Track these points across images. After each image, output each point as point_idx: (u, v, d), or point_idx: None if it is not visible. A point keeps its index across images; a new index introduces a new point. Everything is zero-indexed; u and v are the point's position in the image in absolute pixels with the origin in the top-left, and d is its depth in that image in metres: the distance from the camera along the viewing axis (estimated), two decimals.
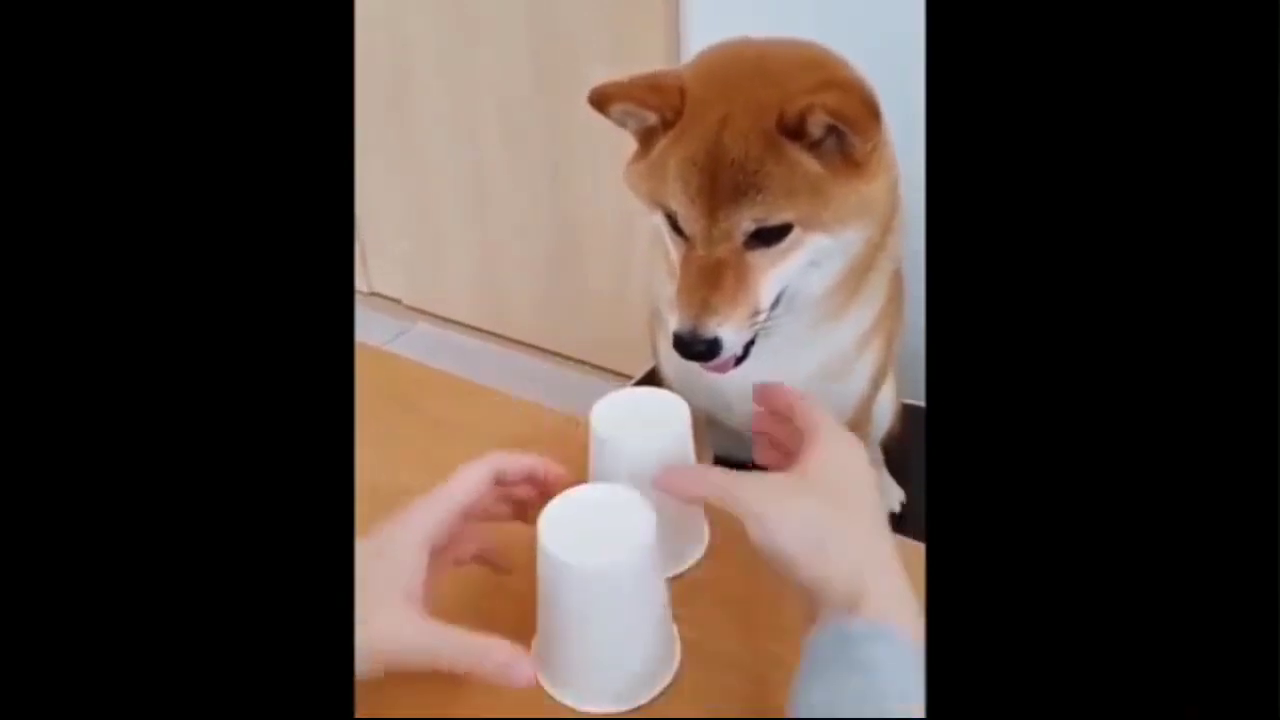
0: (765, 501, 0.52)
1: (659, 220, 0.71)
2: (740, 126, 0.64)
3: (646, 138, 0.71)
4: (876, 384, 0.88)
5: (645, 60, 1.56)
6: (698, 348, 0.66)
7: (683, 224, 0.68)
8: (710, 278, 0.66)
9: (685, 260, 0.68)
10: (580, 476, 0.62)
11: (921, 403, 1.12)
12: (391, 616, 0.49)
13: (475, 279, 2.08)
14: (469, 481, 0.56)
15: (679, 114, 0.67)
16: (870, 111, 0.63)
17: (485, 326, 2.13)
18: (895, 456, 1.10)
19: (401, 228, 2.12)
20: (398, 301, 2.24)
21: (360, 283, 2.27)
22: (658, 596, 0.57)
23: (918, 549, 0.62)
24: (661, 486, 0.57)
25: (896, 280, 0.82)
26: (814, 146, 0.64)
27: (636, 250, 1.78)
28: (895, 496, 1.09)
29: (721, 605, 0.63)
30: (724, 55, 0.71)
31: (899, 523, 1.05)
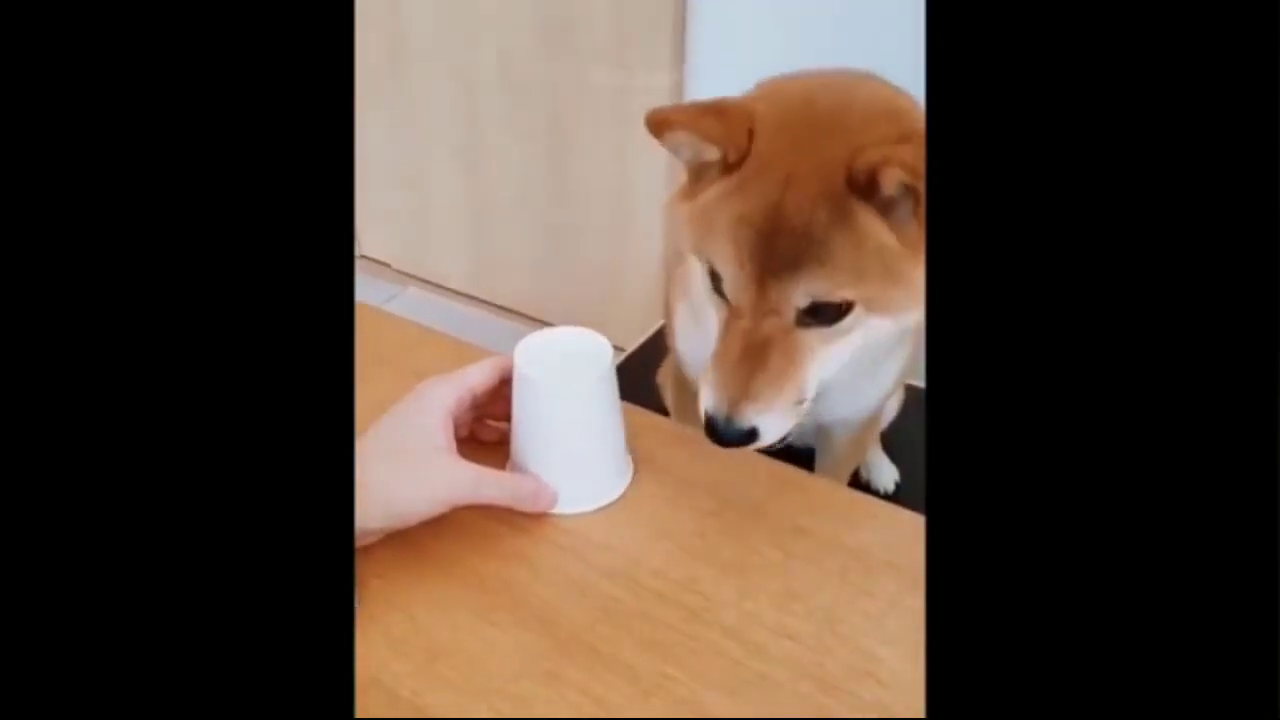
0: None
1: (699, 271, 0.64)
2: (806, 188, 0.56)
3: (698, 174, 0.63)
4: (899, 383, 0.83)
5: (649, 13, 1.54)
6: (731, 436, 0.59)
7: (728, 289, 0.60)
8: (754, 356, 0.58)
9: (726, 329, 0.61)
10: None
11: (918, 382, 1.12)
12: (443, 461, 0.58)
13: (468, 244, 2.06)
14: (482, 369, 0.63)
15: (743, 156, 0.59)
16: None
17: (477, 294, 2.12)
18: (892, 437, 1.10)
19: (394, 190, 2.10)
20: (387, 265, 2.22)
21: None
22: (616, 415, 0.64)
23: (916, 520, 0.62)
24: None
25: None
26: (887, 210, 0.57)
27: (635, 219, 1.77)
28: (890, 476, 1.10)
29: None
30: (800, 94, 0.62)
31: (894, 500, 1.06)
